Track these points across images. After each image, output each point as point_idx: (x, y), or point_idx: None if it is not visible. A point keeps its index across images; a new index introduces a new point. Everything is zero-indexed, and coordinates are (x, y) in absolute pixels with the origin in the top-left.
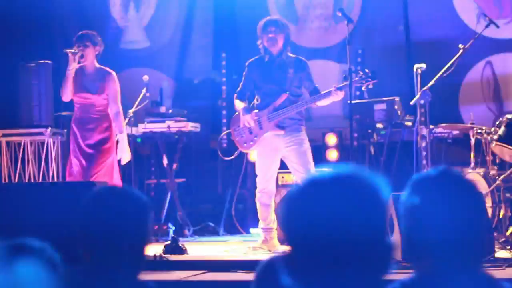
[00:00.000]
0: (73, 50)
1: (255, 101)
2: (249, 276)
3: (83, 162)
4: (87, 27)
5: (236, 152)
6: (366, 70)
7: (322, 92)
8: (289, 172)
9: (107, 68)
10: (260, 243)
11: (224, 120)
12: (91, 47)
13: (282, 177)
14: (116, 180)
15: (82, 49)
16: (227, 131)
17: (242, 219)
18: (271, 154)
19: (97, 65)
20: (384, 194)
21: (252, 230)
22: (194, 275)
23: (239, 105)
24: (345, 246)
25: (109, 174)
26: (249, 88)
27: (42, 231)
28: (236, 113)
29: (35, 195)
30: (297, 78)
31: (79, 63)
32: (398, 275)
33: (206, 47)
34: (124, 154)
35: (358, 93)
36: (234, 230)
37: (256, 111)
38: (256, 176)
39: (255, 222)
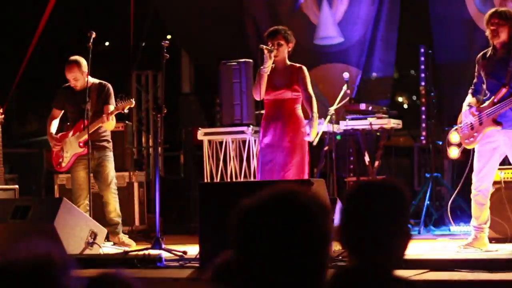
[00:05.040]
0: (270, 48)
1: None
2: (472, 276)
3: (276, 159)
4: (278, 24)
5: (459, 149)
6: None
7: None
8: (501, 169)
9: (297, 64)
10: (471, 241)
11: (423, 117)
12: (285, 44)
13: None
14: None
15: (277, 44)
16: (455, 127)
17: (440, 217)
18: (488, 151)
19: (288, 62)
20: None
21: (452, 228)
22: (417, 274)
23: (466, 101)
24: None
25: (301, 170)
26: (480, 83)
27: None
28: (462, 111)
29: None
30: None
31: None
32: None
33: (395, 41)
34: (311, 133)
35: None
36: (434, 227)
37: (480, 106)
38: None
39: (453, 220)
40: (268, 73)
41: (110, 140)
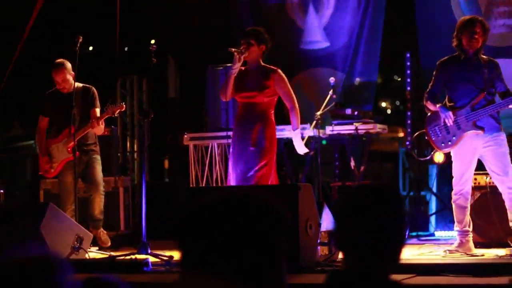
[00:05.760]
0: (239, 50)
1: (446, 101)
2: (459, 280)
3: (244, 162)
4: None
5: (432, 153)
6: None
7: None
8: (482, 174)
9: (271, 66)
10: (456, 246)
11: (409, 122)
12: (256, 45)
13: (475, 179)
14: (274, 181)
15: (246, 46)
16: (420, 131)
17: (425, 221)
18: (468, 155)
19: (262, 64)
20: None
21: (437, 233)
22: (405, 278)
23: (433, 104)
24: None
25: (268, 175)
26: (440, 88)
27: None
28: (429, 114)
29: None
30: (490, 79)
31: (244, 63)
32: None
33: (379, 46)
34: (300, 150)
35: None
36: (419, 232)
37: (457, 109)
38: (447, 177)
39: (438, 225)
40: (235, 74)
41: (98, 143)
